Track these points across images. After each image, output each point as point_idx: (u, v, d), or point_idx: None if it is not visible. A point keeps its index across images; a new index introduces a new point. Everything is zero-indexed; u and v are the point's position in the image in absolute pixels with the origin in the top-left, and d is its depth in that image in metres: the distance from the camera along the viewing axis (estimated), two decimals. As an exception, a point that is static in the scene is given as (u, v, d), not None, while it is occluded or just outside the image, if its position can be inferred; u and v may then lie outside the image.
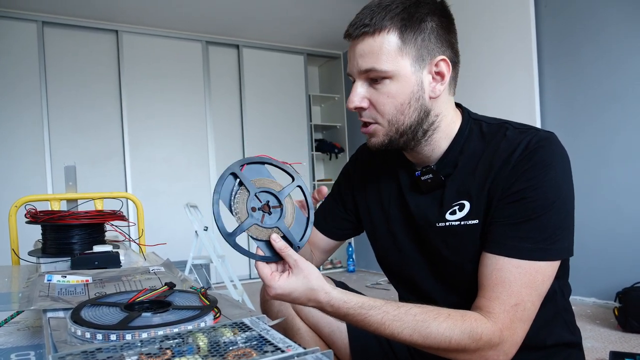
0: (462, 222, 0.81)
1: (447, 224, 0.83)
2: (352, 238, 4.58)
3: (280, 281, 0.71)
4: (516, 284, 0.72)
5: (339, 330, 0.98)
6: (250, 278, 4.24)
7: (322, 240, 1.07)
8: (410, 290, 0.95)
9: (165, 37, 4.05)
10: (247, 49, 4.39)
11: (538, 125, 2.77)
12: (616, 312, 2.18)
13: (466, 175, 0.82)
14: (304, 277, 0.71)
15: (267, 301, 1.00)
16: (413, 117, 0.79)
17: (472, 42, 3.07)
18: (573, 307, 0.91)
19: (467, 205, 0.81)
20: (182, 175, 4.07)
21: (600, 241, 2.55)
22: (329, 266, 4.70)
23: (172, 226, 3.88)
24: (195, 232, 2.81)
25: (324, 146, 4.88)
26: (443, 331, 0.70)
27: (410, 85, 0.78)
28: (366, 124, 0.82)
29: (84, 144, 3.71)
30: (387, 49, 0.75)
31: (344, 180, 1.07)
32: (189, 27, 4.02)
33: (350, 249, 4.60)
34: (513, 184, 0.75)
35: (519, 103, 2.88)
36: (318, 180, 4.79)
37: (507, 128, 0.81)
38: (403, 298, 1.00)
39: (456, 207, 0.82)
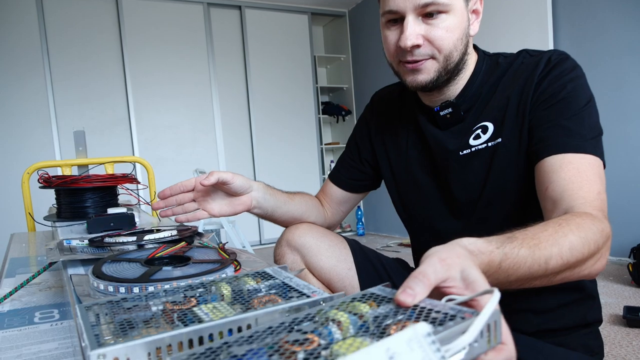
0: (490, 144, 0.81)
1: (473, 149, 0.83)
2: (361, 202, 4.61)
3: None
4: (588, 175, 0.69)
5: (352, 286, 0.98)
6: (261, 243, 4.29)
7: (336, 192, 1.08)
8: (427, 234, 0.96)
9: (165, 0, 3.94)
10: (249, 10, 4.27)
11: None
12: (630, 268, 2.18)
13: (485, 104, 0.83)
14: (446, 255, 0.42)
15: (281, 257, 1.00)
16: (461, 53, 0.80)
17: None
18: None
19: (491, 125, 0.82)
20: (188, 142, 4.05)
21: (615, 197, 2.51)
22: (339, 230, 4.74)
23: (182, 193, 3.89)
24: (206, 197, 2.82)
25: (331, 109, 4.79)
26: (585, 234, 0.58)
27: (463, 20, 0.79)
28: (417, 61, 0.78)
29: (89, 113, 3.69)
30: None
31: (359, 130, 1.07)
32: (189, -12, 3.90)
33: (359, 212, 4.61)
34: (544, 91, 0.76)
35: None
36: (326, 144, 4.74)
37: (524, 56, 0.83)
38: (418, 244, 1.01)
39: (479, 131, 0.83)
